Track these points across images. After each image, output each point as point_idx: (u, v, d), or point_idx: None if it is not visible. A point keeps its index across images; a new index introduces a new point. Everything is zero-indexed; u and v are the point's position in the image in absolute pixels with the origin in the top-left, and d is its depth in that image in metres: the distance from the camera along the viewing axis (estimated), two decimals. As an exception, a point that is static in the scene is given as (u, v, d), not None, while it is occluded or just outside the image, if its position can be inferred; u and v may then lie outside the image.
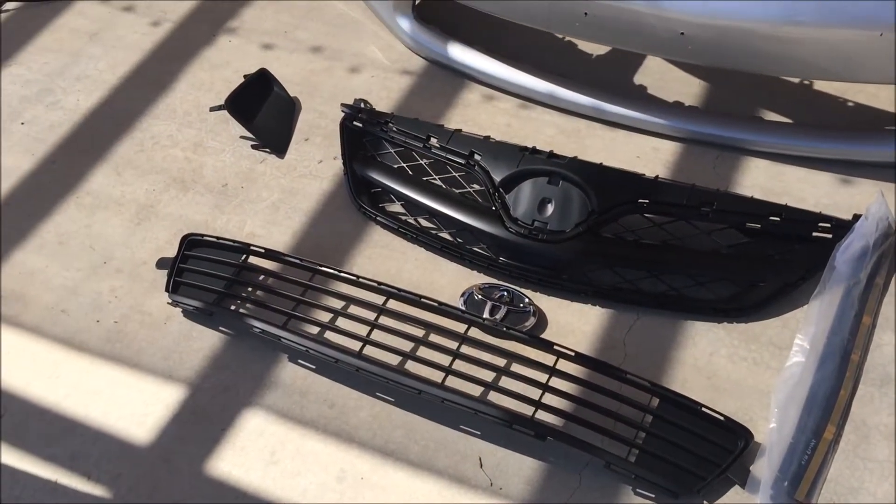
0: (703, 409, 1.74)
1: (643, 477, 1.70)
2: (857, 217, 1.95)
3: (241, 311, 2.03)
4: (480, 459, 1.78)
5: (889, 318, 1.88)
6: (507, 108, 2.43)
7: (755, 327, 1.92)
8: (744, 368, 1.86)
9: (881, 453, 1.70)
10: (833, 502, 1.65)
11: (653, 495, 1.70)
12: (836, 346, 1.82)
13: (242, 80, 2.46)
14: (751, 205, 2.00)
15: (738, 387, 1.83)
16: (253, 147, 2.41)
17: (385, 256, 2.15)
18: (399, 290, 1.95)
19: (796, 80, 2.36)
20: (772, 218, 1.95)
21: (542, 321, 1.98)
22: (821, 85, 2.35)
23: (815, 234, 1.95)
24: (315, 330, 1.98)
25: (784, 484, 1.66)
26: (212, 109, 2.42)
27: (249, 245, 2.08)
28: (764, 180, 2.16)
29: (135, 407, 1.92)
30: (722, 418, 1.72)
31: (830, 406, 1.75)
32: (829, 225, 1.95)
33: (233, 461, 1.82)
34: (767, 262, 1.96)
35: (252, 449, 1.84)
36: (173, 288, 2.06)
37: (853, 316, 1.86)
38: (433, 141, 2.19)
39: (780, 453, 1.69)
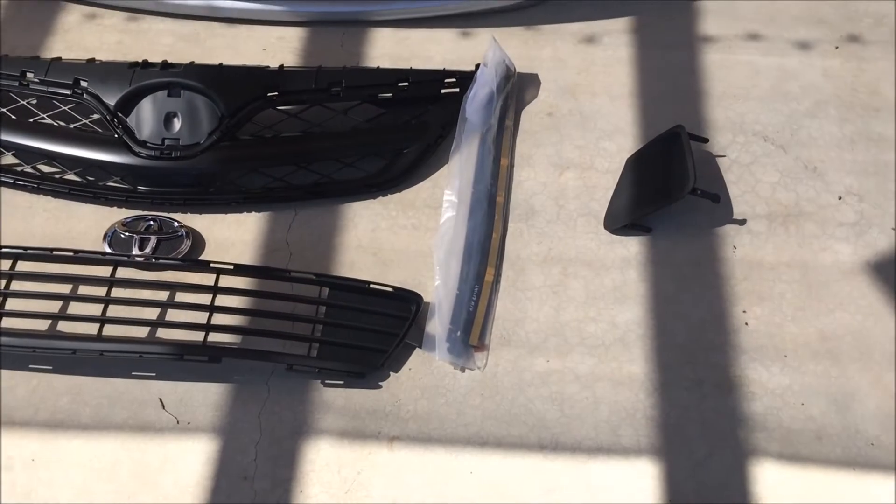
0: (371, 285, 1.75)
1: (327, 367, 1.69)
2: (478, 67, 2.00)
3: None
4: (161, 400, 1.68)
5: (524, 156, 1.98)
6: (113, 23, 2.21)
7: (408, 194, 1.95)
8: (405, 236, 1.89)
9: (537, 281, 1.82)
10: (503, 337, 1.74)
11: (341, 381, 1.70)
12: (481, 194, 1.90)
13: None
14: (379, 75, 2.00)
15: (403, 255, 1.86)
16: None
17: (8, 216, 1.90)
18: (25, 248, 1.74)
19: (403, -57, 2.35)
20: (400, 84, 1.96)
21: (198, 242, 1.87)
22: (427, -57, 2.36)
23: (443, 91, 1.99)
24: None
25: (457, 334, 1.72)
26: None
27: None
28: (391, 48, 2.16)
29: None
30: (391, 289, 1.75)
31: (486, 250, 1.83)
32: (454, 79, 2.00)
33: None
34: (406, 129, 1.98)
35: None
36: None
37: (492, 161, 1.94)
38: (30, 76, 1.94)
39: (448, 307, 1.75)
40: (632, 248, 1.84)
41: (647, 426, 1.62)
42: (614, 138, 1.99)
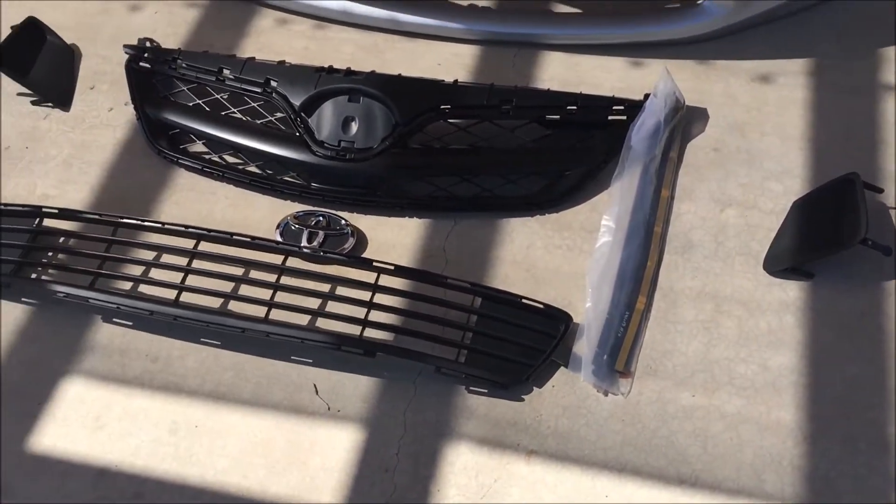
0: (524, 300, 1.79)
1: (474, 375, 1.74)
2: (647, 96, 2.02)
3: (43, 278, 1.90)
4: (315, 386, 1.77)
5: (685, 189, 1.98)
6: (302, 30, 2.35)
7: (566, 215, 1.97)
8: (559, 256, 1.92)
9: (689, 314, 1.80)
10: (649, 367, 1.74)
11: (485, 390, 1.74)
12: (639, 222, 1.90)
13: (10, 32, 2.25)
14: (548, 97, 2.04)
15: (555, 274, 1.89)
16: (33, 103, 2.23)
17: (193, 199, 2.06)
18: (209, 230, 1.88)
19: (582, -29, 2.40)
20: (569, 108, 2.00)
21: (361, 241, 1.97)
22: (605, -28, 2.39)
23: (610, 117, 2.02)
24: (127, 286, 1.89)
25: (604, 358, 1.74)
26: (-23, 68, 2.22)
27: (41, 207, 1.94)
28: (561, 72, 2.20)
29: (-62, 398, 1.79)
30: (542, 306, 1.78)
31: (639, 278, 1.84)
32: (622, 107, 2.01)
33: (55, 434, 1.73)
34: (571, 151, 2.01)
35: (74, 418, 1.75)
36: (-37, 265, 1.91)
37: (653, 191, 1.94)
38: (226, 72, 2.10)
39: (597, 330, 1.77)
40: (791, 292, 1.80)
41: (793, 475, 1.58)
42: (782, 180, 1.95)
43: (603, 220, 1.91)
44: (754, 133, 2.04)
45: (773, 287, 1.82)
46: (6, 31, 2.24)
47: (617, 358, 1.74)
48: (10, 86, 2.24)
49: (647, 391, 1.72)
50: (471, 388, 1.75)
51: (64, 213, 1.93)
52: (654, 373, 1.74)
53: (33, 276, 1.92)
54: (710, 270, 1.86)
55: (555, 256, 1.92)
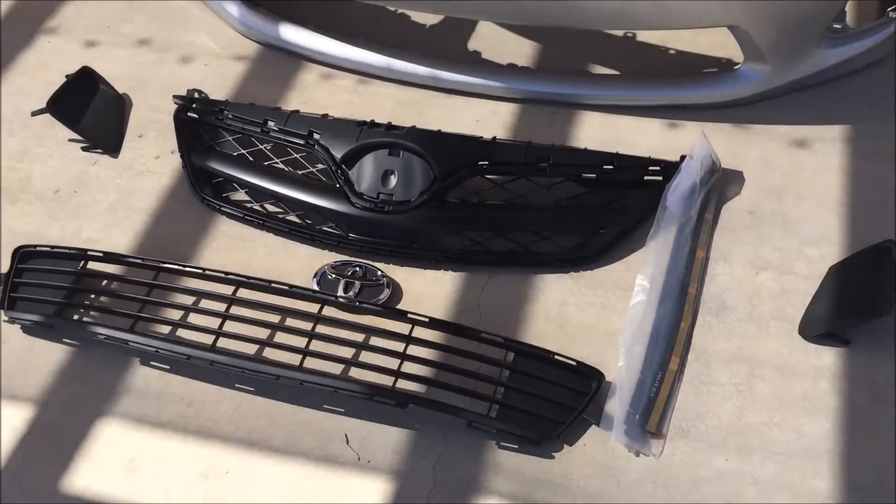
0: (556, 356, 1.79)
1: (505, 430, 1.74)
2: (683, 158, 2.04)
3: (84, 319, 1.95)
4: (346, 436, 1.78)
5: (720, 250, 1.98)
6: (345, 84, 2.41)
7: (600, 273, 1.99)
8: (593, 313, 1.92)
9: (722, 377, 1.80)
10: (682, 428, 1.73)
11: (516, 446, 1.74)
12: (674, 282, 1.91)
13: (64, 80, 2.34)
14: (585, 156, 2.07)
15: (588, 332, 1.90)
16: (83, 149, 2.31)
17: (234, 247, 2.10)
18: (248, 277, 1.92)
19: (620, 34, 2.44)
20: (605, 167, 2.02)
21: (397, 292, 1.99)
22: (643, 36, 2.43)
23: (646, 178, 2.04)
24: (166, 330, 1.93)
25: (636, 417, 1.73)
26: (33, 114, 2.29)
27: (87, 251, 1.99)
28: (598, 132, 2.23)
29: (-22, 434, 1.82)
30: (574, 363, 1.78)
31: (673, 338, 1.84)
32: (658, 168, 2.04)
33: (89, 474, 1.75)
34: (606, 210, 2.03)
35: (109, 459, 1.77)
36: (9, 304, 1.96)
37: (687, 252, 1.95)
38: (270, 124, 2.15)
39: (629, 389, 1.76)
40: (827, 358, 1.79)
41: (828, 545, 1.56)
42: (818, 245, 1.95)
43: (637, 279, 1.92)
44: (790, 197, 2.04)
45: (808, 352, 1.81)
46: (62, 80, 2.33)
47: (649, 418, 1.73)
48: (63, 132, 2.31)
49: (679, 453, 1.70)
50: (501, 443, 1.75)
51: (108, 257, 1.98)
52: (686, 435, 1.73)
53: (76, 317, 1.97)
54: (745, 333, 1.85)
55: (588, 314, 1.93)
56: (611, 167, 2.02)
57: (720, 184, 2.07)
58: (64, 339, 1.95)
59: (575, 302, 1.95)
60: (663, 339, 1.83)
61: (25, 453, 1.79)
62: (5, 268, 1.99)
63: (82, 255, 1.99)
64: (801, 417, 1.72)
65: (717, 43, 2.36)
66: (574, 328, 1.91)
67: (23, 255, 2.00)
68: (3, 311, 1.96)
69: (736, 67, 2.21)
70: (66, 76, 2.34)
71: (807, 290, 1.88)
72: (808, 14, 2.06)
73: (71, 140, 2.32)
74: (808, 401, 1.74)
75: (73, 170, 2.27)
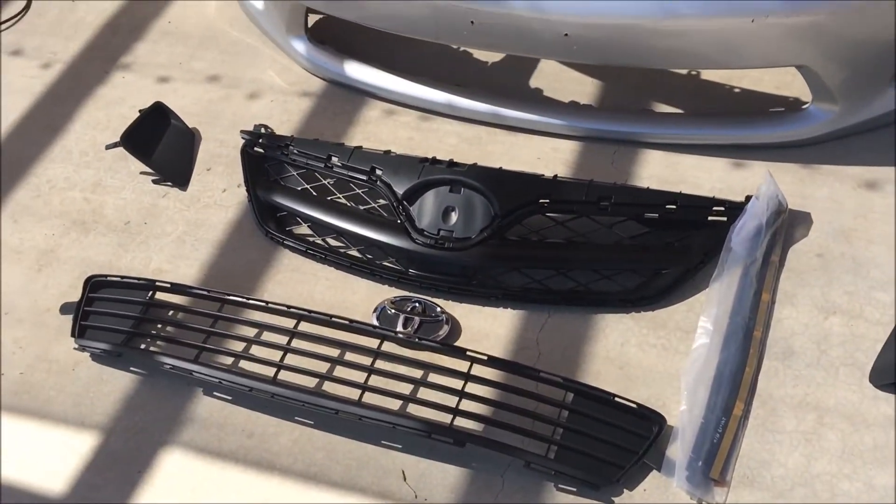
0: (617, 398, 1.77)
1: (563, 472, 1.72)
2: (748, 198, 2.01)
3: (151, 349, 2.00)
4: (404, 472, 1.78)
5: (787, 293, 1.94)
6: (407, 121, 2.44)
7: (662, 314, 1.96)
8: (653, 355, 1.90)
9: (789, 424, 1.75)
10: (746, 476, 1.69)
11: (574, 489, 1.72)
12: (738, 325, 1.87)
13: (138, 115, 2.42)
14: (648, 195, 2.05)
15: (649, 373, 1.87)
16: (154, 182, 2.38)
17: (296, 280, 2.13)
18: (309, 311, 1.94)
19: (684, 72, 2.43)
20: (668, 206, 2.00)
21: (455, 329, 1.99)
22: (707, 74, 2.41)
23: (710, 218, 2.01)
24: (228, 361, 1.96)
25: (699, 464, 1.69)
26: (107, 147, 2.38)
27: (155, 281, 2.05)
28: (660, 170, 2.21)
29: (47, 460, 1.87)
30: (635, 406, 1.76)
31: (737, 383, 1.80)
32: (722, 208, 2.01)
33: (152, 503, 1.78)
34: (668, 250, 2.01)
35: (171, 488, 1.80)
36: (79, 332, 2.02)
37: (752, 294, 1.91)
38: (334, 160, 2.19)
39: (692, 434, 1.73)
40: (899, 407, 1.73)
41: None
42: (889, 290, 1.90)
43: (700, 321, 1.89)
44: (860, 241, 1.99)
45: (878, 401, 1.75)
46: (135, 114, 2.41)
47: (712, 465, 1.69)
48: (135, 165, 2.39)
49: (743, 502, 1.66)
50: (560, 485, 1.73)
51: (175, 288, 2.03)
52: (750, 483, 1.68)
53: (142, 346, 2.01)
54: (813, 379, 1.80)
55: (649, 355, 1.90)
56: (674, 206, 2.00)
57: (787, 225, 2.03)
58: (131, 368, 2.00)
59: (636, 343, 1.92)
60: (727, 383, 1.80)
61: (91, 480, 1.83)
62: (77, 296, 2.06)
63: (150, 285, 2.05)
64: (871, 469, 1.66)
65: (784, 82, 2.33)
66: (634, 369, 1.88)
67: (94, 284, 2.06)
68: (74, 339, 2.02)
69: (804, 107, 2.17)
70: (140, 111, 2.43)
71: (878, 337, 1.83)
72: (878, 55, 2.02)
73: (142, 173, 2.39)
74: (879, 451, 1.68)
75: (144, 202, 2.33)
